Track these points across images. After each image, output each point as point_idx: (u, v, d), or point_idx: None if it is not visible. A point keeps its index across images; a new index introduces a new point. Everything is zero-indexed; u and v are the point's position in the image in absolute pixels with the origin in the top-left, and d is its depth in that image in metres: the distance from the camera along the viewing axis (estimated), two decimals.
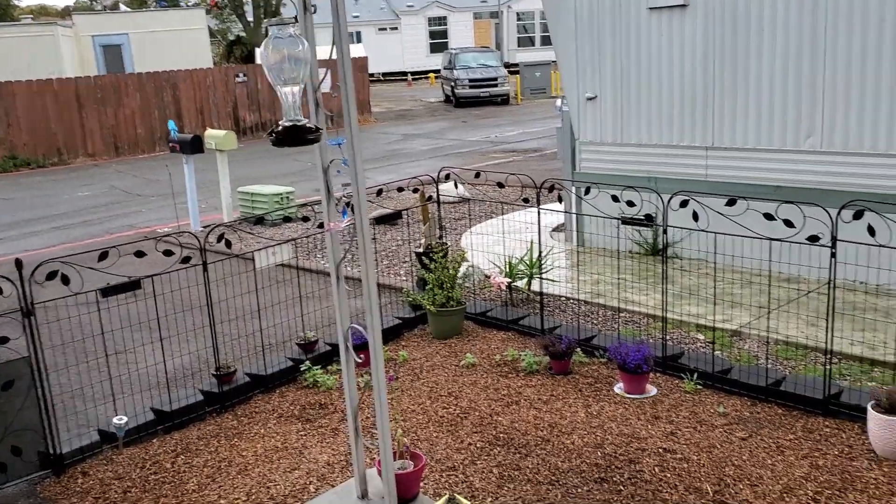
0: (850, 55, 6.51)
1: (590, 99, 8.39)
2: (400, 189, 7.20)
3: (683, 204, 5.12)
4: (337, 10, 2.82)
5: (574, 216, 8.60)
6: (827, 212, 4.57)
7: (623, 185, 5.92)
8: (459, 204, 11.17)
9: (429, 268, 6.46)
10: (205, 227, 10.60)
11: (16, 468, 4.47)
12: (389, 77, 43.32)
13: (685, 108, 7.68)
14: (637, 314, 6.61)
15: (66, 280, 4.48)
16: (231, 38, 43.95)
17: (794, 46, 6.81)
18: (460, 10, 43.80)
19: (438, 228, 7.23)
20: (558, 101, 9.79)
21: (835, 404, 4.67)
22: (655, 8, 7.68)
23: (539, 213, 6.15)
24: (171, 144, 11.29)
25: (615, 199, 5.55)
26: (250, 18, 40.20)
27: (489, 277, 7.38)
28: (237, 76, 23.35)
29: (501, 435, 4.67)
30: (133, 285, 4.90)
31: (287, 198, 11.60)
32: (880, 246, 4.48)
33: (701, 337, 6.08)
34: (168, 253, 4.97)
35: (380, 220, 10.10)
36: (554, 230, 9.45)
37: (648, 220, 5.72)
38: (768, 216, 4.74)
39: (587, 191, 6.15)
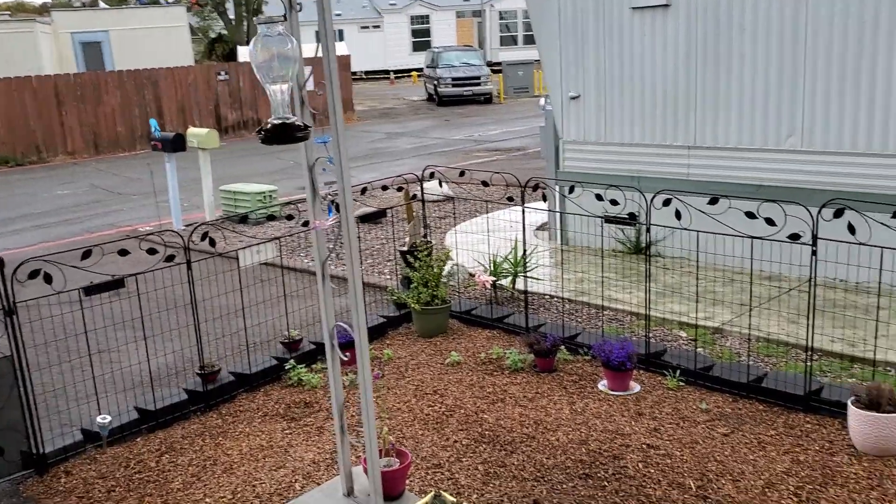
0: (830, 56, 6.58)
1: (573, 98, 8.43)
2: (384, 187, 7.20)
3: (666, 202, 5.16)
4: (323, 7, 2.83)
5: (558, 215, 8.63)
6: (808, 210, 4.63)
7: (606, 184, 5.96)
8: (444, 202, 11.18)
9: (413, 266, 6.46)
10: (187, 225, 10.55)
11: None
12: (372, 75, 43.24)
13: (668, 107, 7.73)
14: (620, 312, 6.65)
15: (48, 279, 4.45)
16: (213, 35, 43.68)
17: (776, 47, 6.88)
18: (443, 8, 43.79)
19: (423, 227, 7.24)
20: (542, 101, 9.81)
21: (815, 400, 4.73)
22: (638, 8, 7.73)
23: (524, 211, 6.17)
24: (152, 143, 11.21)
25: (599, 197, 5.58)
26: (232, 16, 39.98)
27: (474, 276, 7.40)
28: (219, 74, 23.21)
29: (487, 432, 4.68)
30: (116, 284, 4.87)
31: (270, 196, 11.57)
32: (860, 244, 4.54)
33: (683, 334, 6.13)
34: (152, 251, 4.94)
35: (364, 219, 10.11)
36: (538, 229, 9.49)
37: (632, 218, 5.76)
38: (750, 214, 4.78)
39: (571, 189, 6.18)
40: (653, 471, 4.19)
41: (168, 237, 5.35)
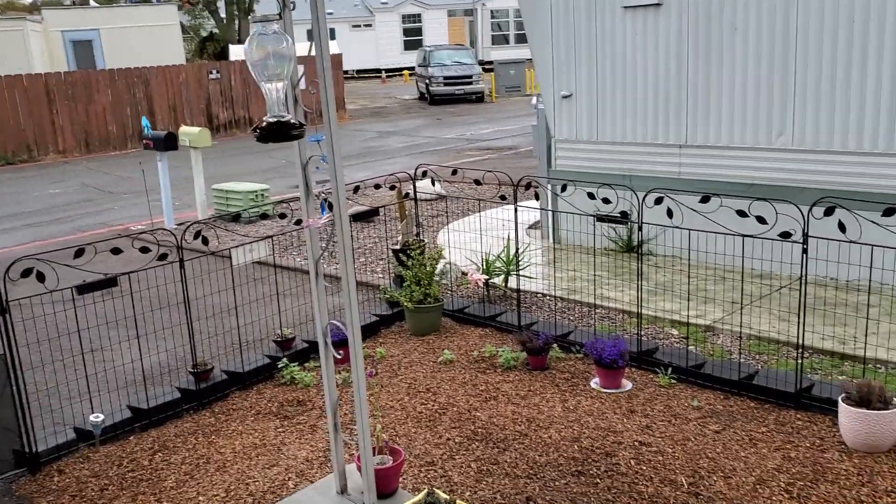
0: (820, 55, 6.62)
1: (565, 97, 8.45)
2: (377, 186, 7.20)
3: (658, 201, 5.19)
4: (316, 6, 2.83)
5: (550, 213, 8.65)
6: (799, 208, 4.66)
7: (598, 183, 5.98)
8: (436, 201, 11.19)
9: (406, 265, 6.47)
10: (179, 224, 10.54)
11: None
12: (363, 74, 43.21)
13: (659, 106, 7.76)
14: (612, 310, 6.68)
15: (41, 277, 4.44)
16: (204, 34, 43.56)
17: (766, 46, 6.92)
18: (434, 7, 43.80)
19: (415, 226, 7.25)
20: (534, 99, 9.84)
21: (806, 397, 4.76)
22: (630, 7, 7.76)
23: (516, 210, 6.18)
24: (144, 141, 11.19)
25: (591, 196, 5.60)
26: (223, 15, 39.86)
27: (466, 274, 7.41)
28: (210, 73, 23.15)
29: (480, 430, 4.70)
30: (109, 282, 4.86)
31: (262, 195, 11.56)
32: (851, 242, 4.57)
33: (675, 332, 6.16)
34: (144, 250, 4.94)
35: (356, 218, 10.09)
36: (530, 227, 9.50)
37: (623, 217, 5.78)
38: (741, 213, 4.81)
39: (563, 188, 6.20)
40: (645, 468, 4.21)
41: (160, 236, 5.35)
